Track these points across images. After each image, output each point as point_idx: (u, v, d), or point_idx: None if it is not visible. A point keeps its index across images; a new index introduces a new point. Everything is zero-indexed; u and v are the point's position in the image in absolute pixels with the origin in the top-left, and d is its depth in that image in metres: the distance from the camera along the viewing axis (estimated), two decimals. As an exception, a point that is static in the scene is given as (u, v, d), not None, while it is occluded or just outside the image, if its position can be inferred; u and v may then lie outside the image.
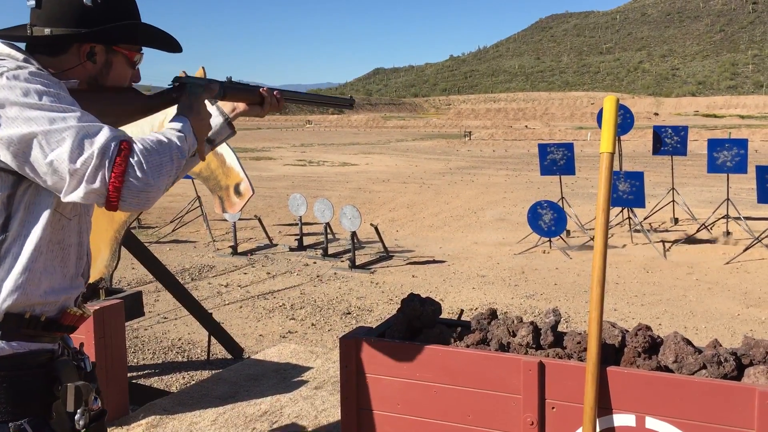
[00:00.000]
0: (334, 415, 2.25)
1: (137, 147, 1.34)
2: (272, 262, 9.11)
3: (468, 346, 1.87)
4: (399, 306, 2.06)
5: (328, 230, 9.61)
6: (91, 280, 3.77)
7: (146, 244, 10.11)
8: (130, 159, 1.31)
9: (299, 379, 2.64)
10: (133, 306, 2.43)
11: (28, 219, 1.41)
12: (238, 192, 3.52)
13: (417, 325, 1.96)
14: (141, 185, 1.32)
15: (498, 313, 2.01)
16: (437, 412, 1.83)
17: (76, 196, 1.30)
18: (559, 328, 1.94)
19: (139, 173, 1.32)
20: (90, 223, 1.67)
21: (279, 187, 16.78)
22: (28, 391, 1.38)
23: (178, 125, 1.50)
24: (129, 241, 4.08)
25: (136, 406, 2.47)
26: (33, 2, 1.54)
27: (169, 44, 1.70)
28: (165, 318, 6.59)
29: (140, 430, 2.24)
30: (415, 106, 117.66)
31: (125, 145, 1.32)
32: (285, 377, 2.67)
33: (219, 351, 5.44)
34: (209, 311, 5.23)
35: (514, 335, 1.85)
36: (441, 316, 2.07)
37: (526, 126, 53.34)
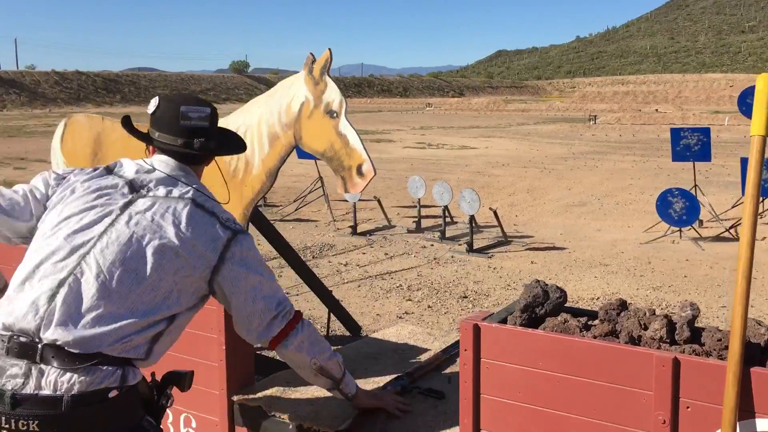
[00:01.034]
0: (453, 398, 2.23)
1: (304, 321, 2.07)
2: (390, 243, 9.21)
3: (595, 337, 1.79)
4: (519, 291, 2.00)
5: (447, 213, 9.58)
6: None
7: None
8: (297, 327, 2.03)
9: (417, 360, 2.64)
10: (260, 280, 2.52)
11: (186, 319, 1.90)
12: (360, 173, 3.55)
13: (540, 313, 1.90)
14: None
15: (628, 304, 1.91)
16: (560, 404, 1.76)
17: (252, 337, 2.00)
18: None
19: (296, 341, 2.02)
20: None
21: (398, 170, 16.91)
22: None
23: (350, 380, 2.17)
24: (256, 218, 4.23)
25: (261, 376, 2.56)
26: (206, 123, 1.98)
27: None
28: (287, 293, 6.80)
29: (264, 399, 2.32)
30: (537, 89, 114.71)
31: (298, 315, 2.07)
32: (403, 357, 2.67)
33: (338, 328, 5.57)
34: (329, 289, 5.35)
35: (646, 328, 1.75)
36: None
37: (657, 110, 50.65)
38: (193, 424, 2.49)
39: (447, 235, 9.37)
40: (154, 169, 1.91)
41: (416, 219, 10.19)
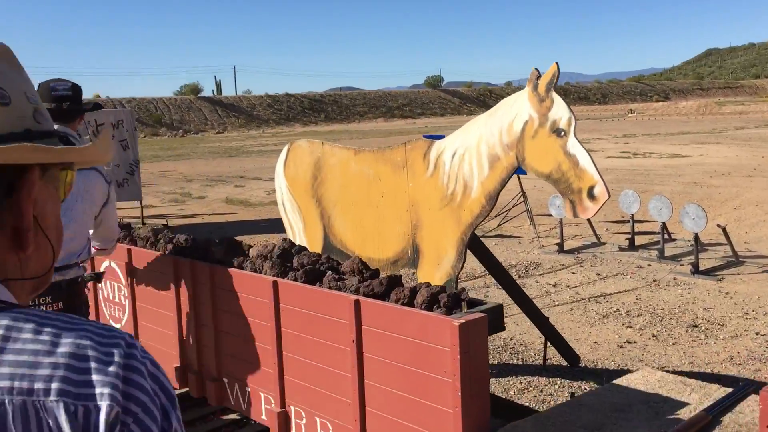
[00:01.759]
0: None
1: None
2: (601, 262, 8.62)
3: None
4: (761, 321, 1.59)
5: (665, 230, 8.78)
6: (438, 282, 3.82)
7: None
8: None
9: (675, 416, 2.28)
10: (495, 319, 2.31)
11: None
12: (592, 196, 3.24)
13: None
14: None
15: None
16: None
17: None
18: None
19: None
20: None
21: (603, 182, 15.95)
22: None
23: None
24: (470, 239, 4.07)
25: (495, 419, 2.35)
26: (70, 92, 3.11)
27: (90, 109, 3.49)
28: (495, 315, 6.58)
29: (505, 454, 2.11)
30: (756, 88, 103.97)
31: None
32: (657, 412, 2.32)
33: (553, 356, 5.23)
34: (545, 315, 5.03)
35: None
36: None
37: None
38: (425, 472, 2.34)
39: (666, 254, 8.58)
40: None
41: (629, 236, 9.46)
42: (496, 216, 11.80)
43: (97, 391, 0.70)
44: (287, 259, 2.92)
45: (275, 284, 2.77)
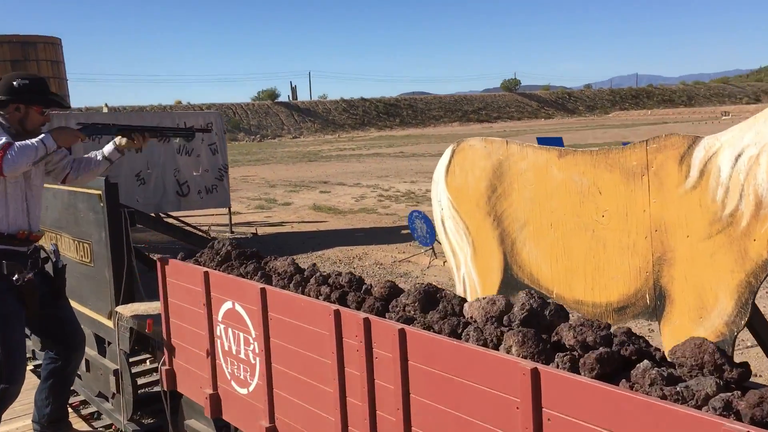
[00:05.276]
0: None
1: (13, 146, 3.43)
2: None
3: None
4: None
5: None
6: (713, 338, 2.60)
7: None
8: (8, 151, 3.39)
9: None
10: None
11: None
12: None
13: None
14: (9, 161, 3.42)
15: None
16: None
17: None
18: None
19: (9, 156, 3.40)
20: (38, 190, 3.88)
21: None
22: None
23: (44, 138, 3.57)
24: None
25: None
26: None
27: (58, 105, 3.88)
28: None
29: None
30: None
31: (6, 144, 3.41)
32: None
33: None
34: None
35: None
36: None
37: None
38: None
39: None
40: None
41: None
42: None
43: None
44: (532, 323, 1.78)
45: (535, 372, 1.63)
